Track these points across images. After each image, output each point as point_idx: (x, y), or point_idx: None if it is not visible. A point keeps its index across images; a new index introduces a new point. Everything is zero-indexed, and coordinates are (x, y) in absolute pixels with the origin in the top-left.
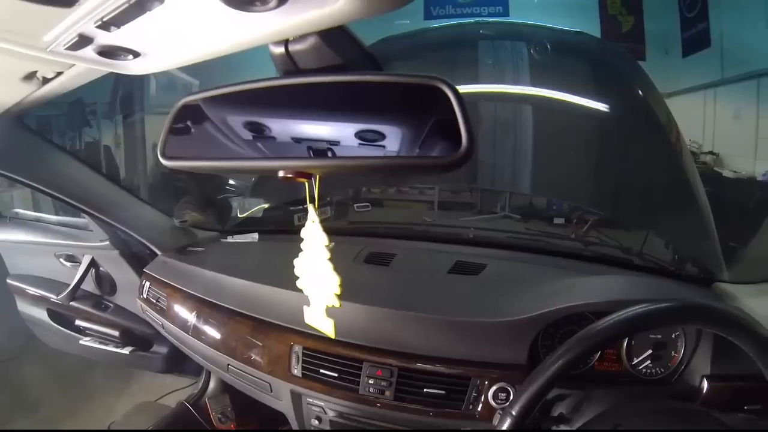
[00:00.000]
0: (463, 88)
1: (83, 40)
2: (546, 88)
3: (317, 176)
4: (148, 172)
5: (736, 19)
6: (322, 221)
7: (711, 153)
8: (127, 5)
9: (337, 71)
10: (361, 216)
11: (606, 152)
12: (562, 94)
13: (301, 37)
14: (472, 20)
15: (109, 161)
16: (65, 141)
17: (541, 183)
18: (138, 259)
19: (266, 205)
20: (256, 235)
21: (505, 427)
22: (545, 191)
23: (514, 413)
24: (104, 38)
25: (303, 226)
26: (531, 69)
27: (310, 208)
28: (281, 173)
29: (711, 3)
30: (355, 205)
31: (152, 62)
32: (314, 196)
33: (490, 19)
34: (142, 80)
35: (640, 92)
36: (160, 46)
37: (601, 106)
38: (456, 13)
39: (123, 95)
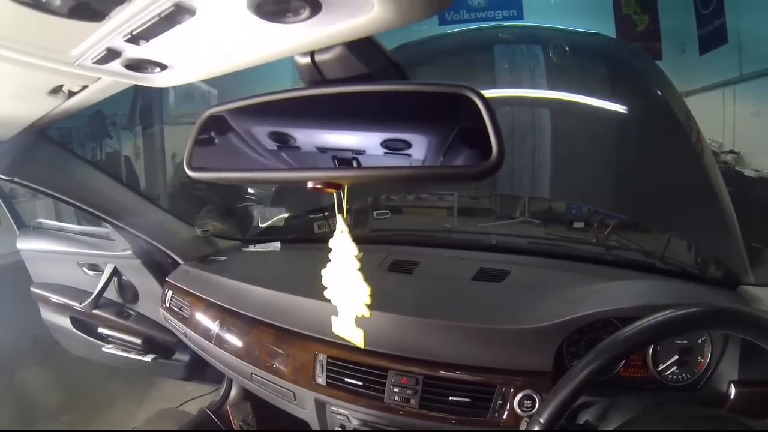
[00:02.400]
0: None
1: (111, 54)
2: (564, 91)
3: (346, 187)
4: (168, 181)
5: (754, 14)
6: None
7: (732, 152)
8: (158, 18)
9: (363, 81)
10: (381, 223)
11: (626, 155)
12: (581, 96)
13: (328, 48)
14: (488, 24)
15: (130, 171)
16: (86, 152)
17: (562, 187)
18: (160, 268)
19: (287, 215)
20: (278, 244)
21: None
22: (565, 196)
23: (542, 420)
24: (132, 51)
25: (323, 234)
26: (548, 72)
27: (339, 218)
28: (310, 184)
29: None
30: (374, 213)
31: (178, 75)
32: (342, 206)
33: (506, 23)
34: (160, 92)
35: (659, 92)
36: (188, 58)
37: (620, 108)
38: (470, 17)
39: (142, 106)
